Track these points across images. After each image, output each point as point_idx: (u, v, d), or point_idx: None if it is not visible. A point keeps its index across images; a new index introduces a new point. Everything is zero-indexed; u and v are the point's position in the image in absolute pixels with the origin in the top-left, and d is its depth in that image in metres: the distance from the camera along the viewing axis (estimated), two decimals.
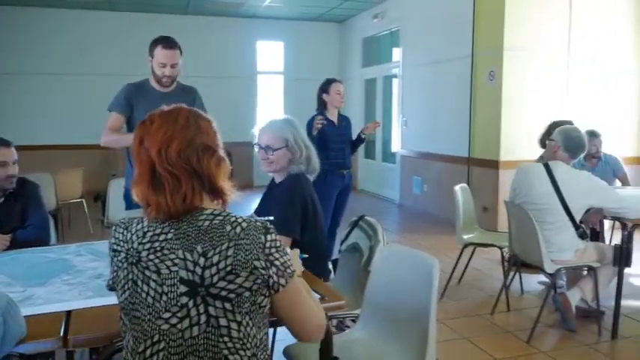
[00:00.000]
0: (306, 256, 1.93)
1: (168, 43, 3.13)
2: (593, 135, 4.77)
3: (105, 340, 1.57)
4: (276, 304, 1.35)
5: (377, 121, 5.09)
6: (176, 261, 1.27)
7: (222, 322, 1.26)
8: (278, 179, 2.60)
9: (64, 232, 5.90)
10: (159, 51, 3.12)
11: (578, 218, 3.38)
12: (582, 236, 3.42)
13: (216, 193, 1.37)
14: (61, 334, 1.53)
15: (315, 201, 2.56)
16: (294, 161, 2.51)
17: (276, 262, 1.30)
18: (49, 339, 1.50)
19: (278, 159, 2.48)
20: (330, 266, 3.20)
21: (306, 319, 1.40)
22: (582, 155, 3.57)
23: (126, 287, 1.33)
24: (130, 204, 3.10)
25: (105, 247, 2.46)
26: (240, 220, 1.30)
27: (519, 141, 6.10)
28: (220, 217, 1.31)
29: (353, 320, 2.55)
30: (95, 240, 2.68)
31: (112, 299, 1.63)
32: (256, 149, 2.54)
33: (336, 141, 4.49)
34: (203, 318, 1.26)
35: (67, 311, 1.69)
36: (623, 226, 3.38)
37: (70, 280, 2.00)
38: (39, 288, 1.91)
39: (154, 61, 3.16)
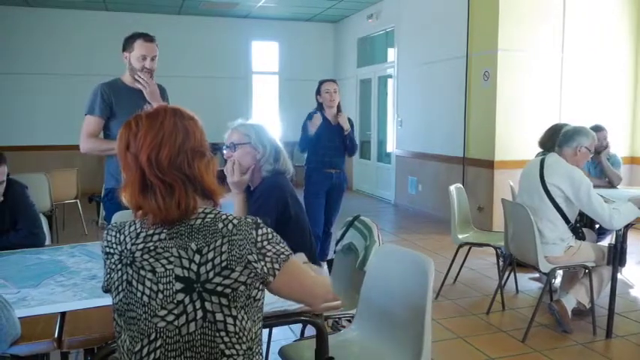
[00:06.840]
0: None
1: (148, 36, 3.16)
2: (597, 129, 4.75)
3: (100, 342, 1.57)
4: (276, 286, 1.36)
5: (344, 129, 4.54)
6: (171, 259, 1.29)
7: (219, 317, 1.28)
8: (252, 185, 2.56)
9: (59, 233, 5.88)
10: (139, 44, 3.12)
11: (569, 214, 3.39)
12: (576, 234, 3.43)
13: (208, 195, 1.39)
14: (56, 335, 1.52)
15: (297, 201, 2.53)
16: (261, 161, 2.48)
17: (269, 254, 1.32)
18: (43, 340, 1.49)
19: (242, 156, 2.46)
20: (326, 266, 3.20)
21: (310, 289, 1.45)
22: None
23: (120, 288, 1.34)
24: (110, 210, 2.99)
25: (99, 249, 2.46)
26: (230, 218, 1.33)
27: (514, 141, 6.12)
28: (211, 215, 1.34)
29: (349, 320, 2.56)
30: (90, 241, 2.66)
31: (107, 300, 1.63)
32: (224, 152, 2.51)
33: (326, 139, 4.47)
34: (199, 314, 1.27)
35: (61, 312, 1.68)
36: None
37: (64, 282, 1.99)
38: (33, 289, 1.90)
39: (133, 54, 3.12)
